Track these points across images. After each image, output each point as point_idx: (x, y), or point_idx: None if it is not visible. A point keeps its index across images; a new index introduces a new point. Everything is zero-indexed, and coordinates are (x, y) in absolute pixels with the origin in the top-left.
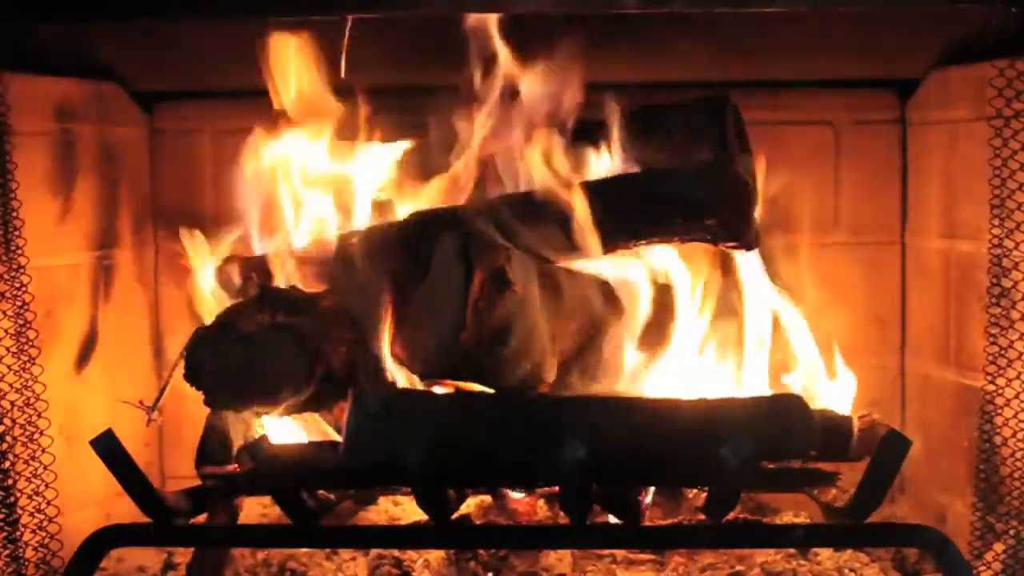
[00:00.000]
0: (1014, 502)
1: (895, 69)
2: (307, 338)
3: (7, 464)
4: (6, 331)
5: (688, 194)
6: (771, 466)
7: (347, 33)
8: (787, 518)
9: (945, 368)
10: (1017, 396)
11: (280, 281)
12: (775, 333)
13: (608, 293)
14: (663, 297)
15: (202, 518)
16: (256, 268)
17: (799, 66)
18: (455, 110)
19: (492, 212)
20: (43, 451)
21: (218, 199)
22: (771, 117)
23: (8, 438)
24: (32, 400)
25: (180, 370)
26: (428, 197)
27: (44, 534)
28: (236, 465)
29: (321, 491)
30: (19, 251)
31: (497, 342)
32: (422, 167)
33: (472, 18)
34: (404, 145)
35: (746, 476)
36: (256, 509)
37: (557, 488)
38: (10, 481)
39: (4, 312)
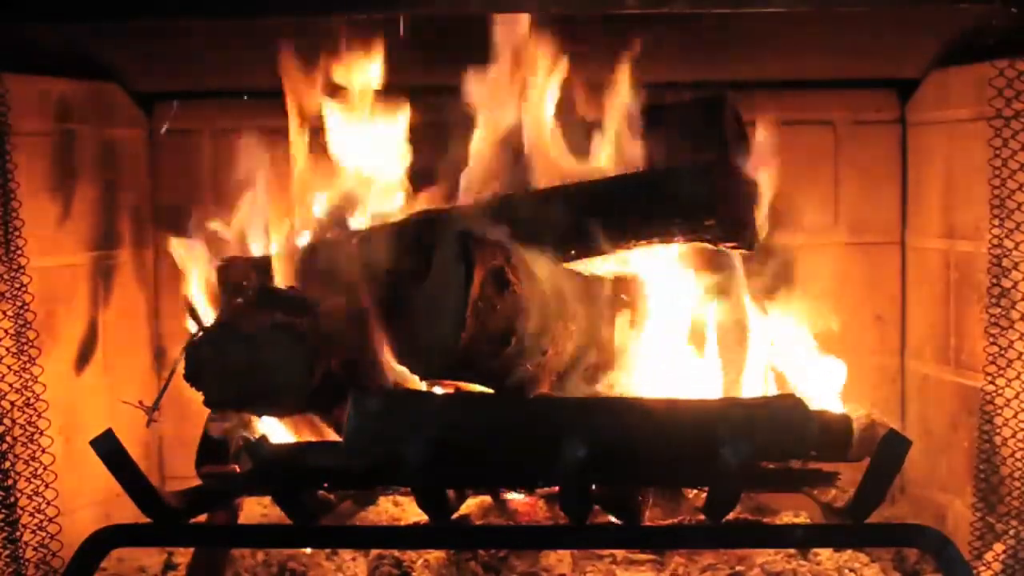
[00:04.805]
0: (1014, 502)
1: (895, 69)
2: (307, 338)
3: (7, 464)
4: (6, 331)
5: (688, 194)
6: (771, 466)
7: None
8: (787, 518)
9: (945, 368)
10: (1017, 396)
11: (280, 281)
12: (774, 334)
13: (608, 293)
14: (663, 297)
15: (202, 518)
16: (256, 268)
17: (799, 66)
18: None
19: (493, 212)
20: (43, 451)
21: (218, 199)
22: (771, 117)
23: (8, 438)
24: (32, 400)
25: (180, 370)
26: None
27: (44, 534)
28: (236, 465)
29: (321, 491)
30: (19, 251)
31: (497, 342)
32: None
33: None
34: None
35: (746, 476)
36: (256, 509)
37: (557, 488)
38: (10, 481)
39: (4, 312)
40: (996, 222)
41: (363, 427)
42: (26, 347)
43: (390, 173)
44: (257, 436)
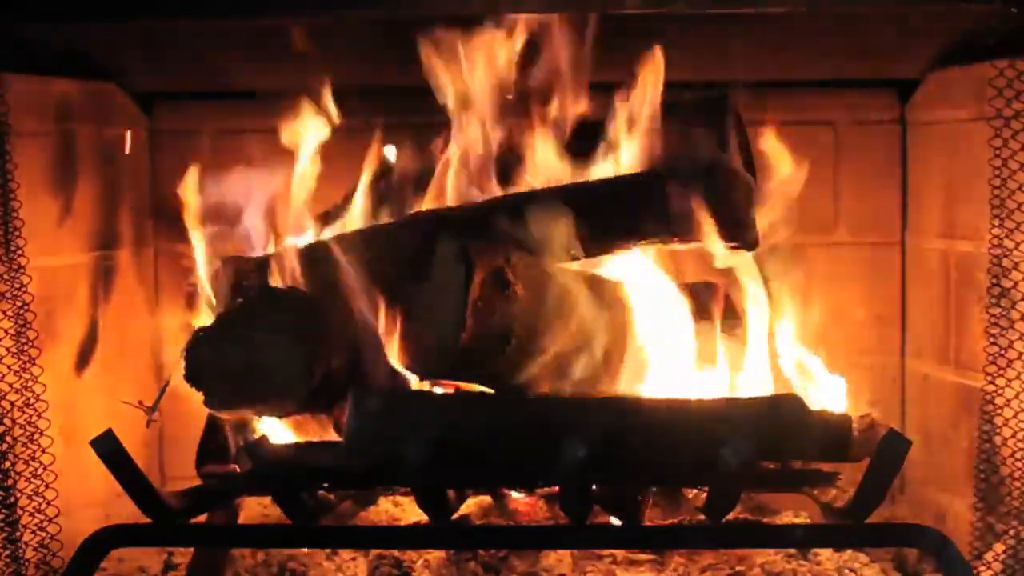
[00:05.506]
0: (1014, 502)
1: (895, 69)
2: (307, 338)
3: (7, 464)
4: (6, 331)
5: (688, 194)
6: (771, 466)
7: None
8: (787, 518)
9: (945, 368)
10: (1017, 396)
11: (280, 281)
12: (774, 334)
13: (608, 293)
14: (663, 297)
15: (202, 518)
16: (256, 268)
17: (799, 66)
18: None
19: (493, 212)
20: (43, 451)
21: (218, 199)
22: (771, 117)
23: (8, 438)
24: (32, 400)
25: (180, 370)
26: (428, 198)
27: (44, 534)
28: (236, 465)
29: (321, 491)
30: (19, 251)
31: (497, 342)
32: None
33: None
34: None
35: (746, 476)
36: (256, 509)
37: (557, 488)
38: (10, 481)
39: (4, 312)
40: (996, 222)
41: (363, 427)
42: (26, 347)
43: (388, 173)
44: (257, 436)
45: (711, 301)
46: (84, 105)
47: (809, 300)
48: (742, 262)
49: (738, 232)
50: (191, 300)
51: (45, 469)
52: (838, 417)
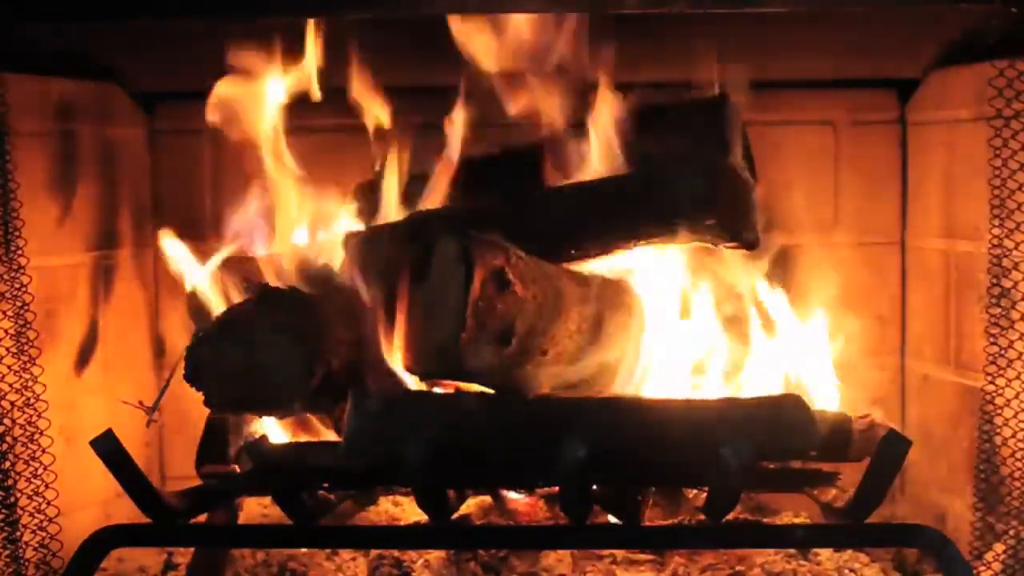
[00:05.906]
0: (1014, 502)
1: (895, 69)
2: (307, 338)
3: (7, 464)
4: (6, 331)
5: (688, 194)
6: (771, 466)
7: None
8: (787, 518)
9: (945, 368)
10: (1017, 396)
11: (280, 282)
12: (774, 334)
13: (608, 293)
14: (663, 297)
15: (202, 518)
16: (256, 269)
17: (799, 66)
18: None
19: (492, 212)
20: (43, 451)
21: (218, 199)
22: (771, 117)
23: (8, 438)
24: (32, 400)
25: (180, 370)
26: (428, 197)
27: (44, 534)
28: (236, 465)
29: (321, 491)
30: (19, 251)
31: (497, 342)
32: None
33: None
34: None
35: (746, 476)
36: (256, 509)
37: (557, 488)
38: (10, 481)
39: (4, 312)
40: (996, 222)
41: (363, 427)
42: (26, 347)
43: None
44: (257, 436)
45: (712, 301)
46: (84, 105)
47: (809, 300)
48: (742, 262)
49: (739, 231)
50: (191, 301)
51: (45, 469)
52: (838, 417)
